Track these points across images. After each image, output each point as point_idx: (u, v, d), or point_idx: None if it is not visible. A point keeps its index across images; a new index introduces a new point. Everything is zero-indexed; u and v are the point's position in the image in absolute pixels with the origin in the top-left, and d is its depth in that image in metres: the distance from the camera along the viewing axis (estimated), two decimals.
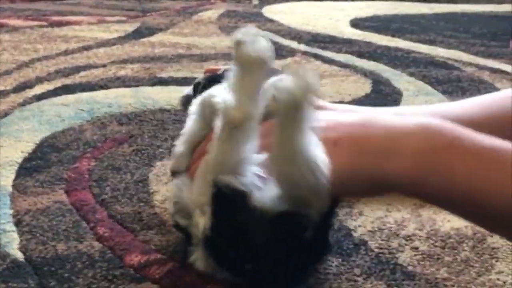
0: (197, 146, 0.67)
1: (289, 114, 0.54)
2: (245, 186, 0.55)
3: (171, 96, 1.11)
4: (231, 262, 0.58)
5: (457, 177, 0.57)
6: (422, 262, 0.64)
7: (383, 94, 1.14)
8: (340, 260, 0.64)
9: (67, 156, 0.88)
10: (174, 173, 0.68)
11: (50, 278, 0.63)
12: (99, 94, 1.12)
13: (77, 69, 1.27)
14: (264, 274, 0.57)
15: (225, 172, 0.55)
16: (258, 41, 0.56)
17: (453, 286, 0.61)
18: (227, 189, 0.55)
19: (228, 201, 0.56)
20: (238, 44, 0.57)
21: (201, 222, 0.58)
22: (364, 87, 1.18)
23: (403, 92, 1.15)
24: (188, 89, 0.78)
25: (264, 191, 0.56)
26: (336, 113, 0.64)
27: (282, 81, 0.53)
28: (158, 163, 0.87)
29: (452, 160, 0.57)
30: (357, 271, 0.63)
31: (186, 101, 0.76)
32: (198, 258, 0.60)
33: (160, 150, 0.91)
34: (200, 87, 0.73)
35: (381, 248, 0.66)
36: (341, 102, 1.11)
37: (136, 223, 0.72)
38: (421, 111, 0.83)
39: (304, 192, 0.55)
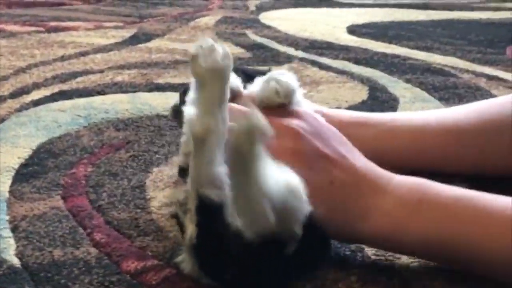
0: None
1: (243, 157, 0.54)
2: (222, 199, 0.55)
3: (168, 102, 1.10)
4: (213, 270, 0.59)
5: (426, 235, 0.60)
6: (419, 270, 0.64)
7: (379, 101, 1.15)
8: (336, 267, 0.64)
9: (64, 162, 0.88)
10: (182, 171, 0.68)
11: (46, 284, 0.63)
12: (96, 100, 1.12)
13: (74, 75, 1.27)
14: (246, 284, 0.58)
15: (205, 184, 0.55)
16: (212, 53, 0.57)
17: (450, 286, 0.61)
18: (205, 202, 0.55)
19: (208, 213, 0.56)
20: (193, 58, 0.57)
21: (190, 228, 0.58)
22: (361, 93, 1.19)
23: (399, 99, 1.15)
24: (176, 99, 0.78)
25: None
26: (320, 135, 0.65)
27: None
28: (155, 169, 0.87)
29: (421, 217, 0.61)
30: (353, 278, 0.64)
31: (175, 111, 0.77)
32: (185, 260, 0.60)
33: (157, 156, 0.91)
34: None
35: (377, 255, 0.66)
36: (338, 108, 1.11)
37: (132, 229, 0.72)
38: (417, 117, 0.84)
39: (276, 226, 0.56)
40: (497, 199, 0.61)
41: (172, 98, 1.09)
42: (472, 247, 0.59)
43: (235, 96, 0.67)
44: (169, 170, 0.86)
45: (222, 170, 0.56)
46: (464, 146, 0.81)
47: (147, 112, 1.07)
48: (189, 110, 0.60)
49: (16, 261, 0.66)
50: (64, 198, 0.79)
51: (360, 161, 0.64)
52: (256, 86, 0.68)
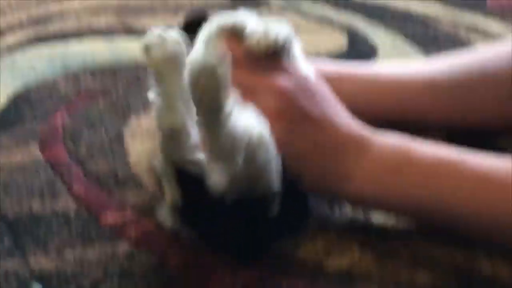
0: None
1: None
2: (201, 171, 0.55)
3: None
4: (197, 227, 0.59)
5: (408, 197, 0.61)
6: (396, 226, 0.65)
7: (359, 51, 1.14)
8: (315, 223, 0.65)
9: (41, 110, 0.88)
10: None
11: (25, 237, 0.63)
12: (73, 46, 1.11)
13: (50, 18, 1.25)
14: (230, 242, 0.58)
15: (181, 164, 0.56)
16: (163, 43, 0.56)
17: (427, 241, 0.62)
18: (185, 176, 0.56)
19: (189, 183, 0.56)
20: (147, 49, 0.56)
21: (170, 191, 0.58)
22: (340, 42, 1.18)
23: (379, 49, 1.15)
24: None
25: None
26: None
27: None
28: (133, 119, 0.86)
29: (403, 179, 0.61)
30: (332, 233, 0.64)
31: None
32: (166, 216, 0.60)
33: (135, 105, 0.90)
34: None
35: (356, 212, 0.66)
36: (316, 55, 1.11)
37: (111, 182, 0.72)
38: (400, 71, 0.84)
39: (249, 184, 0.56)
40: (482, 161, 0.61)
41: None
42: (452, 209, 0.60)
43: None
44: (148, 121, 0.86)
45: (195, 146, 0.55)
46: (439, 99, 0.81)
47: (125, 60, 1.06)
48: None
49: None
50: (42, 148, 0.78)
51: (345, 121, 0.64)
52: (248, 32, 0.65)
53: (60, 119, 0.85)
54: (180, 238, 0.61)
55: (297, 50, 0.66)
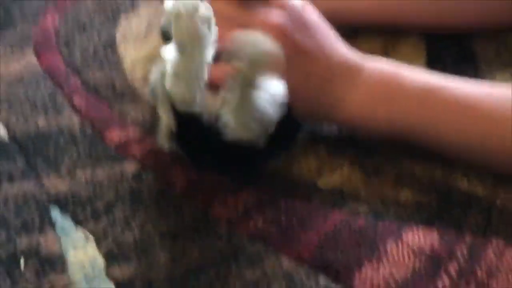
0: None
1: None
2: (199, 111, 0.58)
3: None
4: (192, 153, 0.63)
5: (397, 123, 0.65)
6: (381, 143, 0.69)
7: None
8: (305, 138, 0.69)
9: (30, 7, 0.88)
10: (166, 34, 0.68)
11: (36, 158, 0.66)
12: None
13: None
14: (225, 166, 0.63)
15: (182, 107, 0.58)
16: (195, 14, 0.54)
17: (409, 158, 0.68)
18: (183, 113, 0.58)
19: (187, 120, 0.59)
20: (176, 17, 0.54)
21: (165, 117, 0.61)
22: None
23: None
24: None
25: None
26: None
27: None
28: (123, 20, 0.87)
29: (389, 107, 0.65)
30: (322, 147, 0.69)
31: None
32: (163, 139, 0.63)
33: (124, 2, 0.91)
34: None
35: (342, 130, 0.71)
36: None
37: (110, 93, 0.75)
38: None
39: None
40: (465, 88, 0.65)
41: None
42: (438, 135, 0.64)
43: None
44: (137, 22, 0.87)
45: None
46: (420, 3, 0.84)
47: None
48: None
49: (3, 133, 0.69)
50: (37, 55, 0.80)
51: (337, 51, 0.66)
52: None
53: (51, 21, 0.86)
54: (183, 158, 0.65)
55: None
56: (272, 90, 0.58)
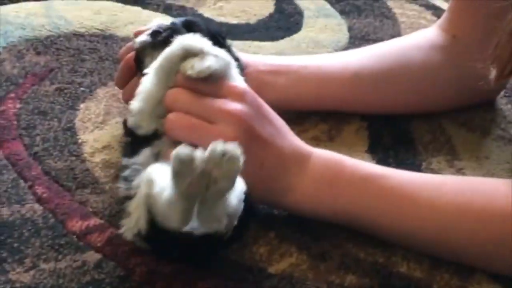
0: (159, 104, 0.70)
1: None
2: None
3: (82, 15, 1.13)
4: (159, 251, 0.67)
5: (338, 208, 0.71)
6: (329, 226, 0.74)
7: (285, 15, 1.20)
8: (257, 224, 0.74)
9: None
10: (130, 131, 0.72)
11: (1, 249, 0.69)
12: (9, 11, 1.12)
13: None
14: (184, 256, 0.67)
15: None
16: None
17: (353, 243, 0.72)
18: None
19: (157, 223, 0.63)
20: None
21: (135, 215, 0.65)
22: (268, 4, 1.24)
23: (304, 12, 1.21)
24: (143, 37, 0.76)
25: None
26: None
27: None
28: (82, 105, 0.91)
29: (333, 193, 0.70)
30: (271, 234, 0.73)
31: (142, 50, 0.76)
32: (127, 230, 0.67)
33: (82, 89, 0.95)
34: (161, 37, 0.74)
35: (290, 215, 0.75)
36: (247, 23, 1.17)
37: (71, 181, 0.78)
38: (325, 63, 0.91)
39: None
40: (402, 177, 0.71)
41: (86, 9, 1.12)
42: (375, 220, 0.70)
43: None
44: (95, 107, 0.91)
45: None
46: (363, 93, 0.90)
47: (64, 29, 1.08)
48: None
49: None
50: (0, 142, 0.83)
51: (288, 140, 0.71)
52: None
53: (12, 106, 0.90)
54: (143, 247, 0.69)
55: (235, 73, 0.72)
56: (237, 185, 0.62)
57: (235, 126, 0.67)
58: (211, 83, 0.69)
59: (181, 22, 0.75)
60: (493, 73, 0.69)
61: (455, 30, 0.89)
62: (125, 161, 0.71)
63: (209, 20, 1.16)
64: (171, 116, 0.67)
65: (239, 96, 0.69)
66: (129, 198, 0.68)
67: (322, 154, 0.73)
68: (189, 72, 0.68)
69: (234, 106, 0.68)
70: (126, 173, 0.69)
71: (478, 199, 0.68)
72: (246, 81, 0.73)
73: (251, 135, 0.68)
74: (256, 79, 0.83)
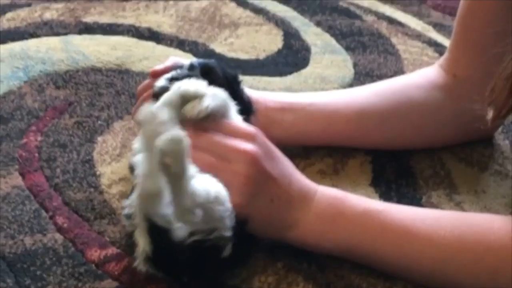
0: None
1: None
2: (167, 222, 0.66)
3: (99, 50, 1.17)
4: (167, 272, 0.71)
5: (340, 242, 0.74)
6: (333, 257, 0.78)
7: (293, 51, 1.25)
8: (265, 255, 0.77)
9: (14, 129, 0.96)
10: (132, 169, 0.77)
11: (24, 276, 0.73)
12: (30, 46, 1.17)
13: (3, 10, 1.30)
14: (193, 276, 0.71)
15: (154, 218, 0.66)
16: (156, 118, 0.67)
17: (356, 273, 0.76)
18: (154, 225, 0.66)
19: (158, 235, 0.67)
20: (140, 123, 0.67)
21: (141, 242, 0.69)
22: (276, 40, 1.28)
23: (311, 48, 1.26)
24: (162, 82, 0.78)
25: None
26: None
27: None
28: (99, 139, 0.96)
29: (336, 229, 0.74)
30: (279, 264, 0.77)
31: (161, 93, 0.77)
32: (140, 263, 0.71)
33: (99, 122, 0.99)
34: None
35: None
36: (257, 59, 1.21)
37: (89, 212, 0.82)
38: (330, 101, 0.95)
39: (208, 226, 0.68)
40: (401, 212, 0.74)
41: (103, 45, 1.16)
42: (375, 253, 0.74)
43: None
44: (112, 140, 0.95)
45: (167, 204, 0.66)
46: (367, 130, 0.94)
47: (82, 64, 1.13)
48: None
49: None
50: (22, 174, 0.87)
51: (295, 179, 0.75)
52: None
53: (34, 139, 0.94)
54: (158, 276, 0.73)
55: (234, 113, 0.77)
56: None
57: (249, 165, 0.71)
58: (222, 125, 0.73)
59: (199, 67, 0.79)
60: (490, 114, 0.73)
61: (456, 70, 0.93)
62: (125, 200, 0.75)
63: (220, 57, 1.20)
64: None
65: (250, 137, 0.73)
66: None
67: (326, 191, 0.77)
68: (190, 114, 0.72)
69: (247, 146, 0.72)
70: (126, 211, 0.74)
71: (474, 233, 0.71)
72: (256, 119, 0.78)
73: (262, 173, 0.72)
74: (265, 116, 0.88)
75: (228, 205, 0.69)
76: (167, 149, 0.64)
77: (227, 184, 0.69)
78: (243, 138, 0.73)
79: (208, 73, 0.78)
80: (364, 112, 0.94)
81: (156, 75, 0.82)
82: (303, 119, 0.93)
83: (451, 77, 0.93)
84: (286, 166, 0.76)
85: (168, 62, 0.84)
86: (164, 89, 0.77)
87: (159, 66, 0.85)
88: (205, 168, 0.70)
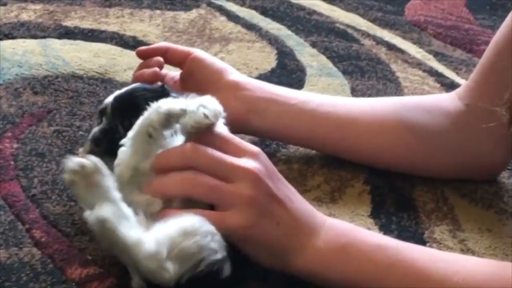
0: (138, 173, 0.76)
1: None
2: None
3: (81, 57, 1.18)
4: None
5: (348, 274, 0.74)
6: None
7: (288, 71, 1.26)
8: (260, 278, 0.77)
9: None
10: None
11: None
12: (6, 48, 1.17)
13: None
14: None
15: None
16: (85, 169, 0.72)
17: None
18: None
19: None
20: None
21: (136, 277, 0.69)
22: (270, 58, 1.30)
23: (307, 69, 1.27)
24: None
25: None
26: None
27: None
28: (80, 150, 0.95)
29: (344, 260, 0.74)
30: None
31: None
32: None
33: (80, 132, 0.99)
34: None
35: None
36: (248, 77, 1.22)
37: (69, 227, 0.82)
38: (321, 102, 0.97)
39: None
40: (414, 251, 0.75)
41: (84, 51, 1.17)
42: None
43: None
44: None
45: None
46: (355, 141, 0.96)
47: (62, 70, 1.13)
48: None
49: None
50: None
51: (300, 202, 0.76)
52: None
53: (9, 146, 0.94)
54: None
55: (221, 125, 0.77)
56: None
57: (253, 184, 0.71)
58: (224, 142, 0.74)
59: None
60: (505, 117, 0.74)
61: (470, 99, 0.94)
62: None
63: None
64: (188, 175, 0.72)
65: (253, 155, 0.73)
66: None
67: (336, 221, 0.78)
68: (191, 128, 0.73)
69: (250, 163, 0.72)
70: None
71: (488, 282, 0.72)
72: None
73: (268, 194, 0.72)
74: (249, 102, 0.92)
75: (205, 229, 0.69)
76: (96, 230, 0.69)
77: (230, 205, 0.70)
78: (246, 156, 0.73)
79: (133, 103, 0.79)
80: (357, 122, 0.95)
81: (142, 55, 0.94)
82: (289, 113, 0.94)
83: (463, 105, 0.95)
84: (292, 190, 0.76)
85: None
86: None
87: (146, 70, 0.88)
88: (207, 194, 0.71)
